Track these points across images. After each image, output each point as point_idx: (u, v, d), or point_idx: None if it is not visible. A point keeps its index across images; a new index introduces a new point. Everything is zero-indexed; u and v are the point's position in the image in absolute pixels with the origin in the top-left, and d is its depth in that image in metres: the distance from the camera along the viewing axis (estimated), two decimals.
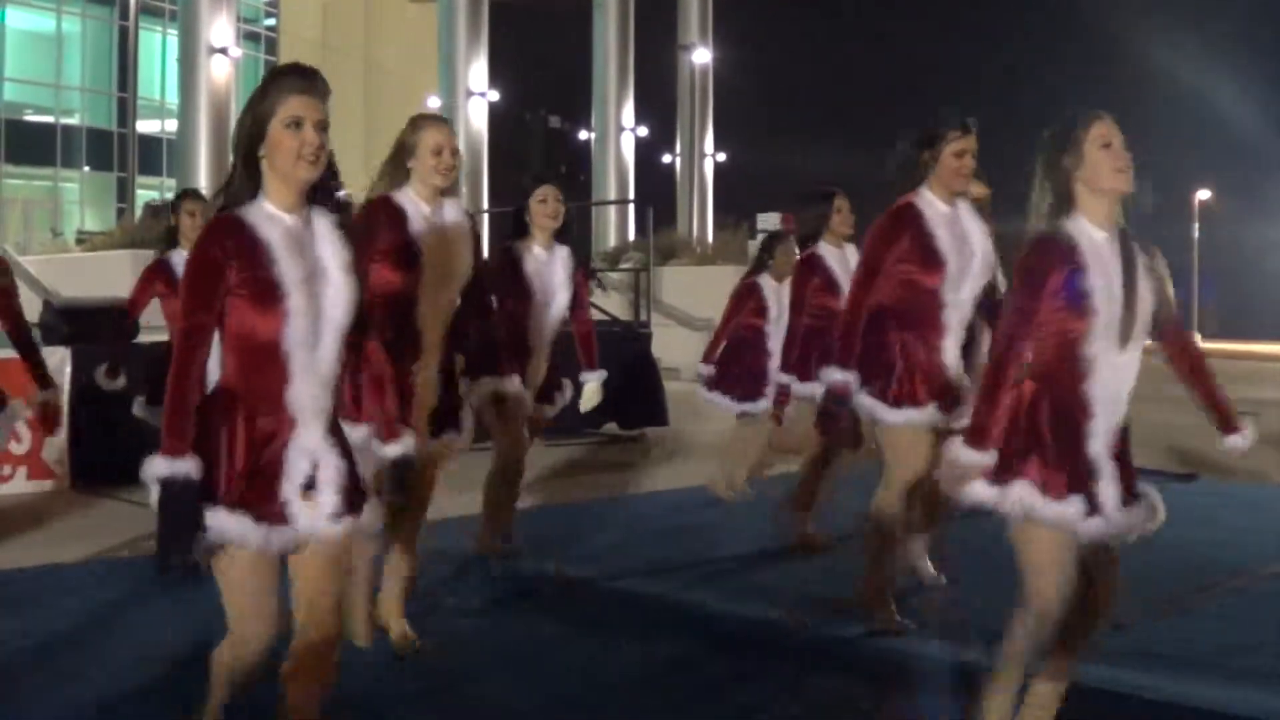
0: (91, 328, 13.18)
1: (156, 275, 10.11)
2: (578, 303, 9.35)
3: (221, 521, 4.50)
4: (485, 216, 38.16)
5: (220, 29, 35.12)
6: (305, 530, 4.63)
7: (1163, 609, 8.00)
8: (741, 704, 6.45)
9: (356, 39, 72.89)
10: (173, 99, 43.14)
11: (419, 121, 7.01)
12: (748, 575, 9.31)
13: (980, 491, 5.31)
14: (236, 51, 36.38)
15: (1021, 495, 5.23)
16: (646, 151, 56.65)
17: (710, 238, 45.32)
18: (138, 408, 10.38)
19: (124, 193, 50.91)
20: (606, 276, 29.52)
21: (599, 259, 36.21)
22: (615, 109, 48.68)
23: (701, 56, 55.24)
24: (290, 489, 4.61)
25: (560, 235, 9.09)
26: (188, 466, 4.42)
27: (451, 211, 7.01)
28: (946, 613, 8.03)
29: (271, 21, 68.89)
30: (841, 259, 9.87)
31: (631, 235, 42.68)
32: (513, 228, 9.11)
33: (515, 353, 8.64)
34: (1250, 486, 13.01)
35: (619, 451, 16.14)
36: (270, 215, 4.70)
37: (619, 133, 48.57)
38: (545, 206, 8.89)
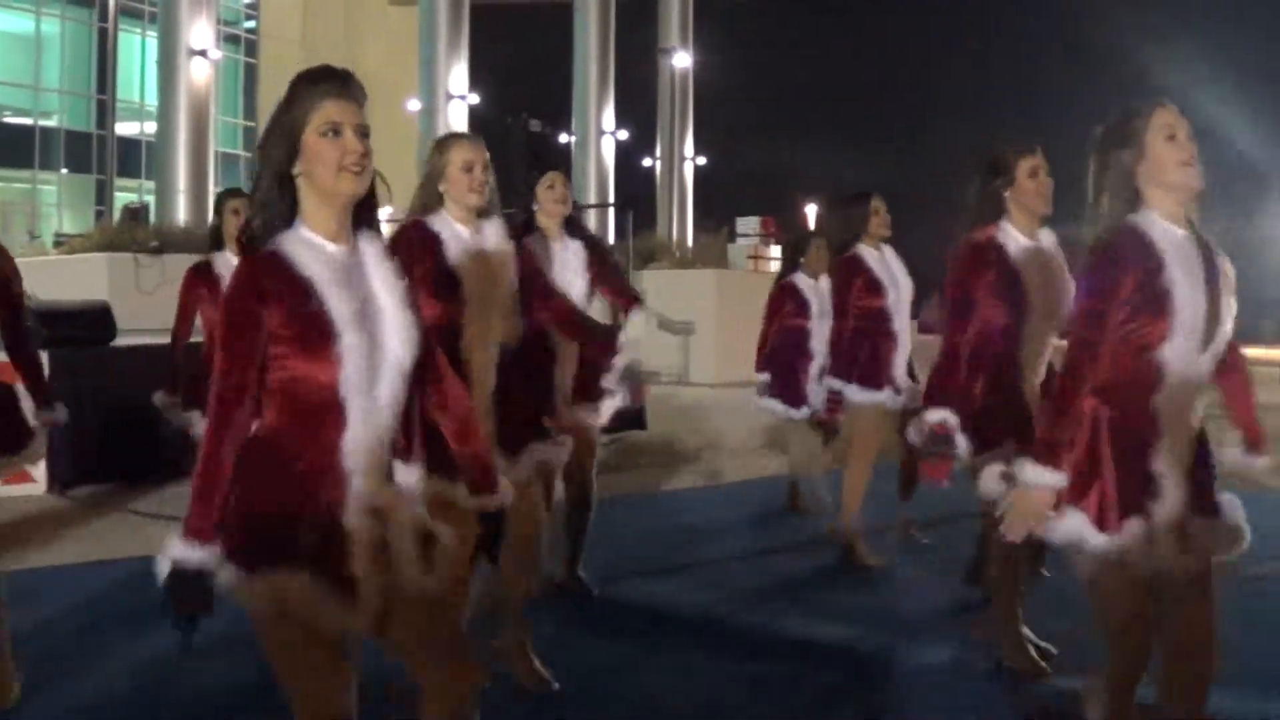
0: (70, 331, 13.14)
1: (200, 280, 9.61)
2: (606, 278, 8.93)
3: (282, 585, 3.97)
4: None
5: (200, 31, 35.05)
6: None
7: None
8: (729, 705, 6.49)
9: (337, 42, 72.79)
10: (152, 101, 43.03)
11: (445, 141, 6.64)
12: (729, 577, 9.36)
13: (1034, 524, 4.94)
14: (216, 54, 36.32)
15: (1074, 526, 4.89)
16: (627, 155, 56.70)
17: (690, 241, 45.39)
18: (159, 399, 9.78)
19: (103, 195, 50.87)
20: None
21: None
22: (596, 112, 48.70)
23: (682, 60, 55.26)
24: (359, 556, 4.08)
25: (570, 227, 8.79)
26: (204, 555, 3.92)
27: (492, 233, 6.50)
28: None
29: (252, 24, 68.82)
30: (881, 260, 9.96)
31: (612, 238, 42.71)
32: (522, 225, 8.63)
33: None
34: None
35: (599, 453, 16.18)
36: (311, 243, 4.19)
37: (599, 136, 48.60)
38: (554, 192, 8.62)
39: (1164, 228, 4.91)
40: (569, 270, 8.55)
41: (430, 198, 6.55)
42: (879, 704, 6.67)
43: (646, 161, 62.01)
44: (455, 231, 6.40)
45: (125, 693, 6.59)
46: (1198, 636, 4.98)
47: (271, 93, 67.50)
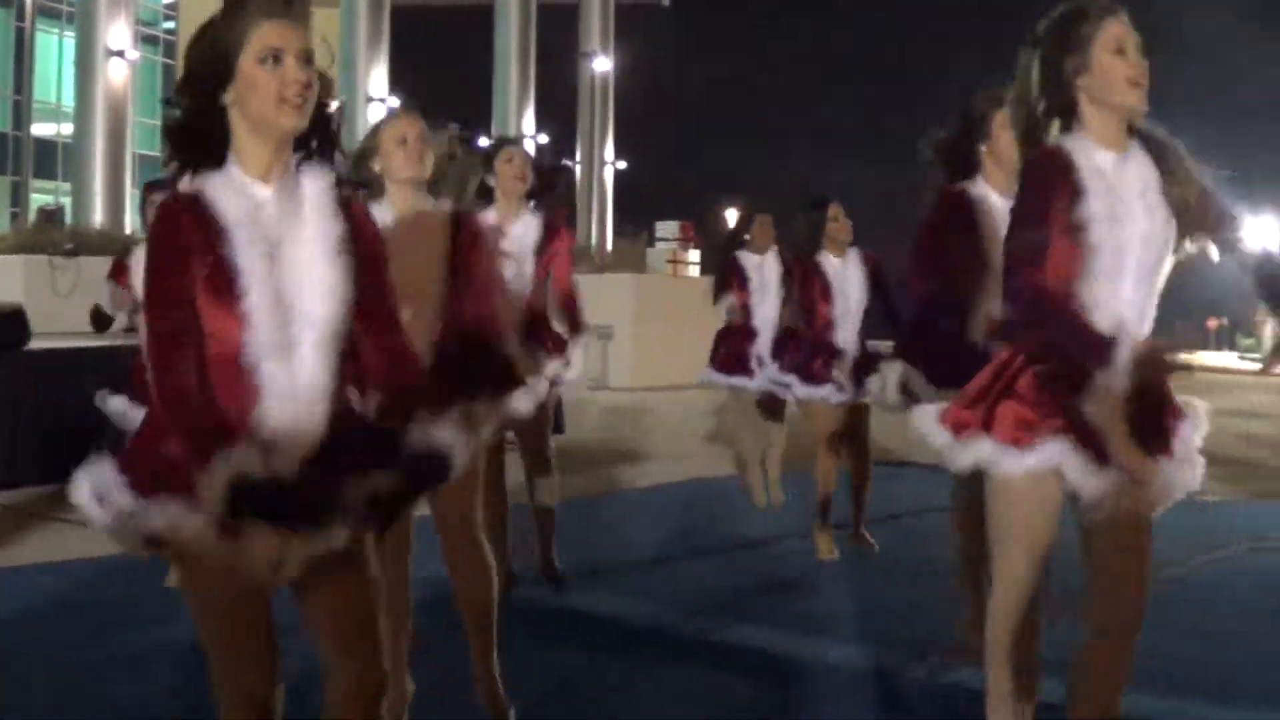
0: None
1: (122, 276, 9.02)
2: (559, 267, 8.43)
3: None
4: None
5: (118, 32, 34.86)
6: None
7: (1057, 613, 8.10)
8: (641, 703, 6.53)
9: None
10: (69, 102, 42.75)
11: (380, 123, 6.07)
12: (651, 582, 9.39)
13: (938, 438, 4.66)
14: (134, 54, 36.13)
15: (983, 450, 4.54)
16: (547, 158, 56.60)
17: (609, 245, 45.42)
18: (101, 400, 8.83)
19: (18, 197, 50.63)
20: None
21: None
22: (516, 116, 48.64)
23: (602, 64, 55.26)
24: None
25: (532, 196, 8.36)
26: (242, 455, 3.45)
27: (417, 207, 5.86)
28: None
29: (171, 25, 68.27)
30: (841, 269, 10.02)
31: None
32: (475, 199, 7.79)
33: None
34: None
35: (515, 458, 16.16)
36: (237, 184, 3.72)
37: (519, 140, 48.54)
38: (511, 167, 8.16)
39: (1096, 155, 4.52)
40: (519, 251, 8.13)
41: (373, 187, 5.90)
42: (803, 708, 6.70)
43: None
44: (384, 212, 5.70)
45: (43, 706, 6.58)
46: (1126, 587, 4.64)
47: None
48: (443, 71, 58.39)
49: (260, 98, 3.72)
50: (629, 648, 7.59)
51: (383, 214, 5.56)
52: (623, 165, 59.47)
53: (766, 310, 11.49)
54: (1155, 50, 4.55)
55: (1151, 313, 4.77)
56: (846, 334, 9.98)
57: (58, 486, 8.12)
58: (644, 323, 29.11)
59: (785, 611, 8.44)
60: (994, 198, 6.51)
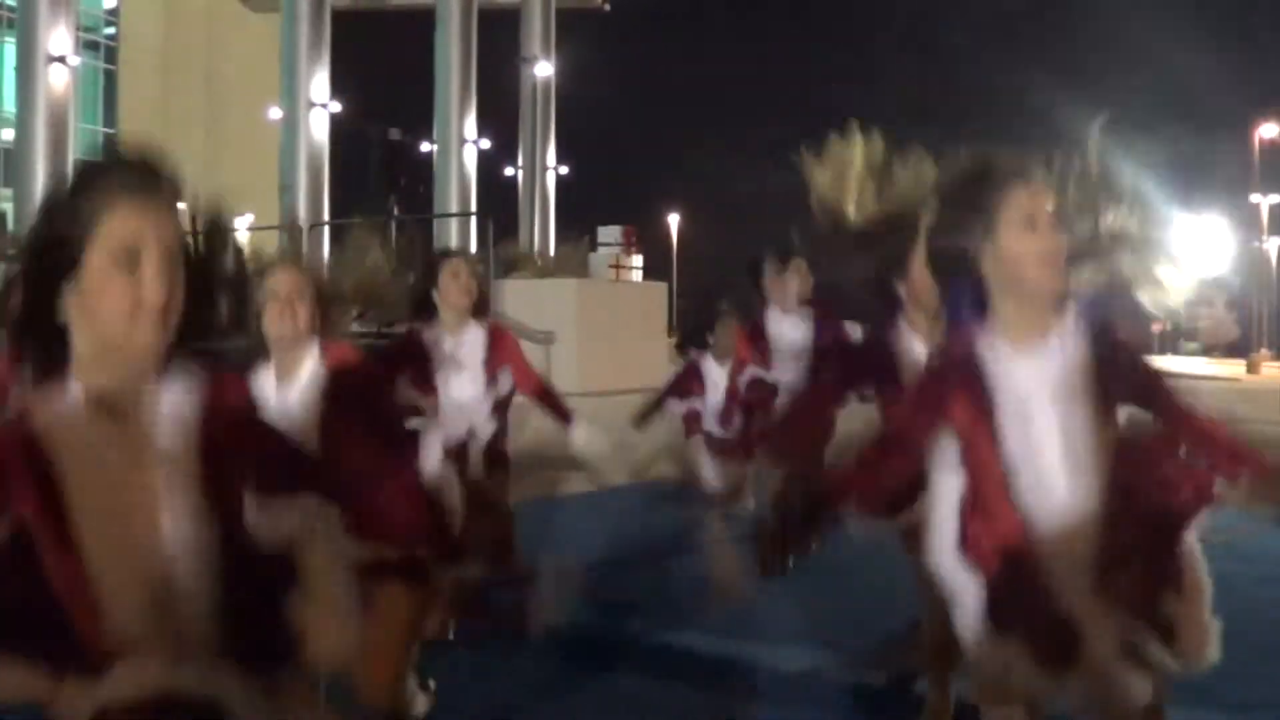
0: None
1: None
2: (516, 370, 8.26)
3: None
4: (325, 229, 38.09)
5: (59, 37, 34.75)
6: None
7: None
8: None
9: (198, 49, 72.28)
10: (10, 108, 42.57)
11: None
12: (588, 583, 9.41)
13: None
14: (75, 60, 36.03)
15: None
16: (488, 164, 56.68)
17: (552, 251, 45.42)
18: None
19: None
20: None
21: None
22: (457, 121, 48.59)
23: (544, 70, 55.33)
24: None
25: (476, 311, 8.08)
26: None
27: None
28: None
29: (111, 30, 68.10)
30: (795, 324, 10.13)
31: (473, 248, 42.70)
32: (414, 308, 8.07)
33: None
34: None
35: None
36: (72, 411, 2.92)
37: (461, 145, 48.51)
38: (457, 282, 7.87)
39: (1008, 360, 3.86)
40: (464, 367, 7.98)
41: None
42: (750, 712, 6.73)
43: (508, 171, 62.00)
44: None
45: None
46: None
47: (131, 99, 66.90)
48: (384, 76, 58.37)
49: (108, 308, 2.89)
50: (575, 652, 7.61)
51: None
52: (564, 170, 59.55)
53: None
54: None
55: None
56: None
57: None
58: (587, 328, 29.16)
59: (733, 616, 8.45)
60: (917, 348, 5.93)
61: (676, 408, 10.86)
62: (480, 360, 8.00)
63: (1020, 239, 3.77)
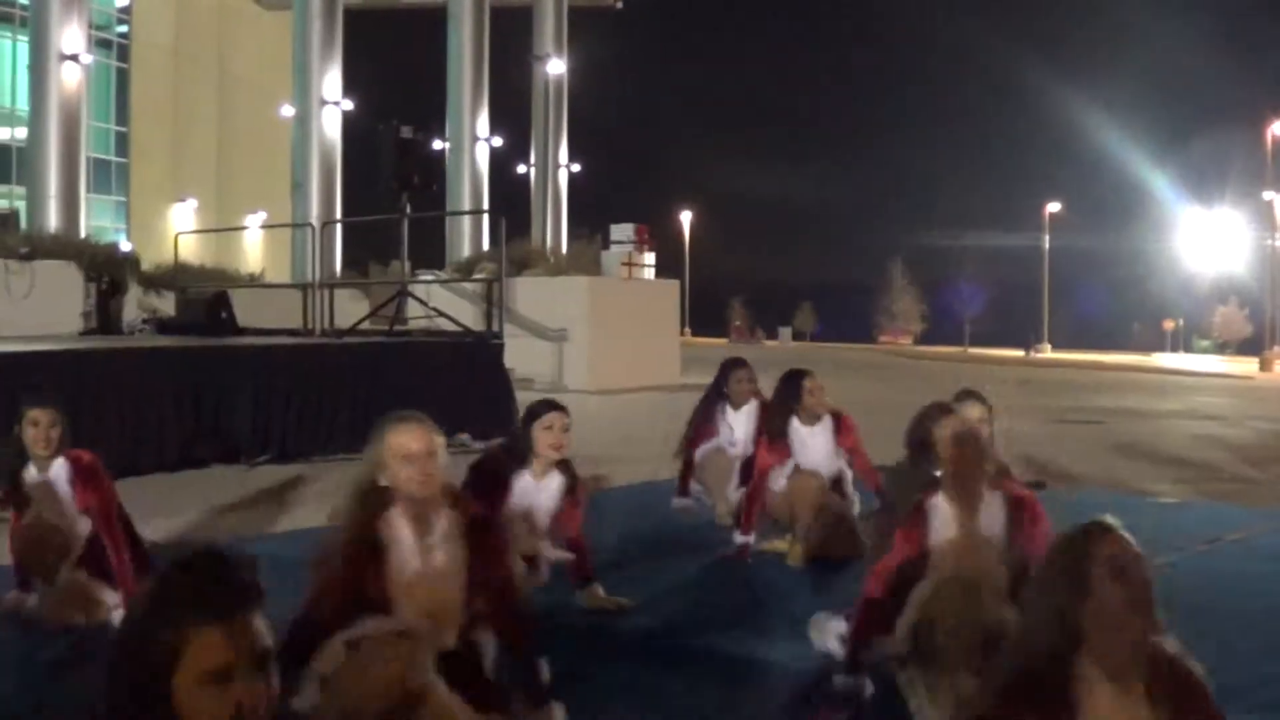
0: None
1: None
2: (567, 519, 8.55)
3: None
4: (338, 227, 38.08)
5: (71, 36, 34.70)
6: None
7: None
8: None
9: (210, 47, 72.36)
10: (23, 106, 42.61)
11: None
12: (599, 581, 9.39)
13: None
14: (88, 58, 35.98)
15: None
16: (501, 162, 56.71)
17: (564, 248, 45.37)
18: None
19: None
20: (460, 287, 29.56)
21: (452, 269, 36.16)
22: (470, 119, 48.53)
23: (556, 67, 55.36)
24: None
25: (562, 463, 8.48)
26: None
27: None
28: None
29: (124, 29, 68.18)
30: (808, 436, 10.29)
31: (485, 245, 42.66)
32: (508, 447, 8.56)
33: None
34: (1098, 490, 13.37)
35: (470, 461, 16.12)
36: None
37: (473, 143, 48.46)
38: (550, 435, 8.29)
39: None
40: (539, 512, 8.46)
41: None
42: (758, 711, 6.69)
43: (520, 168, 62.05)
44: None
45: None
46: None
47: (143, 98, 66.95)
48: (396, 74, 58.50)
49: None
50: (585, 649, 7.58)
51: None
52: (577, 168, 59.56)
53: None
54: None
55: None
56: None
57: None
58: (599, 326, 29.21)
59: (745, 615, 8.43)
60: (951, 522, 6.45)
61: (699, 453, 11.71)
62: (551, 509, 8.43)
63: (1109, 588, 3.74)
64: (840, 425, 10.39)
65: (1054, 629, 3.75)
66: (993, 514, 6.45)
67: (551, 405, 8.48)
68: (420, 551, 5.52)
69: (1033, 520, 6.48)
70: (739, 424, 11.72)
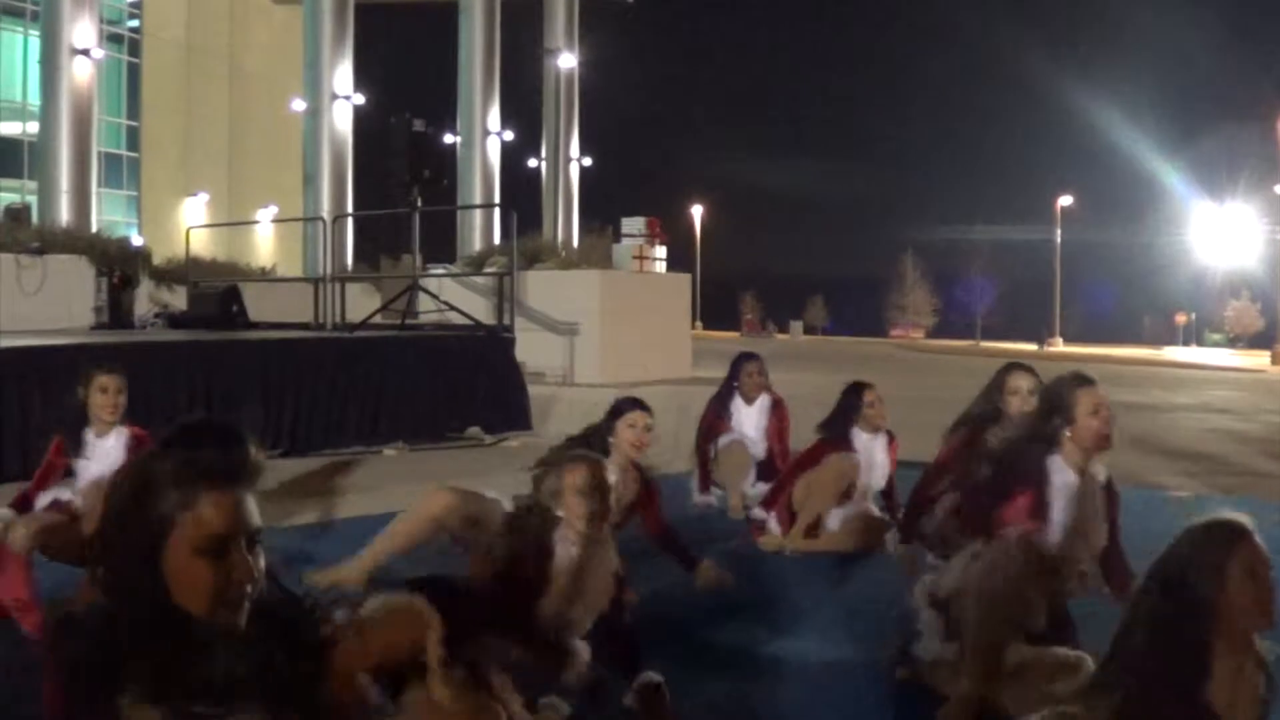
0: None
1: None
2: (647, 517, 8.66)
3: None
4: (349, 221, 38.06)
5: (83, 30, 34.75)
6: None
7: None
8: None
9: (221, 41, 72.37)
10: (34, 100, 42.66)
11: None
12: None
13: None
14: (99, 53, 36.02)
15: None
16: (512, 155, 56.72)
17: (575, 242, 45.39)
18: None
19: None
20: (471, 281, 29.56)
21: (463, 263, 36.16)
22: (481, 112, 48.56)
23: (567, 61, 55.39)
24: None
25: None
26: None
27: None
28: None
29: (135, 23, 68.18)
30: (868, 444, 10.39)
31: (496, 239, 42.67)
32: (586, 439, 8.31)
33: None
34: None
35: (482, 455, 16.15)
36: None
37: (484, 136, 48.48)
38: (633, 432, 8.38)
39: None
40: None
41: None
42: (769, 703, 6.68)
43: (532, 162, 62.10)
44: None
45: None
46: None
47: (154, 92, 66.96)
48: (407, 68, 58.48)
49: (197, 591, 3.00)
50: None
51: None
52: (588, 162, 59.54)
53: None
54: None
55: None
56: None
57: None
58: (610, 318, 29.21)
59: (755, 606, 8.42)
60: (1069, 475, 6.70)
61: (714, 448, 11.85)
62: (626, 505, 8.32)
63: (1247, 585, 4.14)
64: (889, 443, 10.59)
65: (1190, 617, 4.09)
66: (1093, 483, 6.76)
67: (637, 403, 8.55)
68: (572, 570, 6.28)
69: (1112, 501, 6.87)
70: (750, 419, 11.75)
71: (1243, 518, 4.24)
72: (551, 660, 6.15)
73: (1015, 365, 8.76)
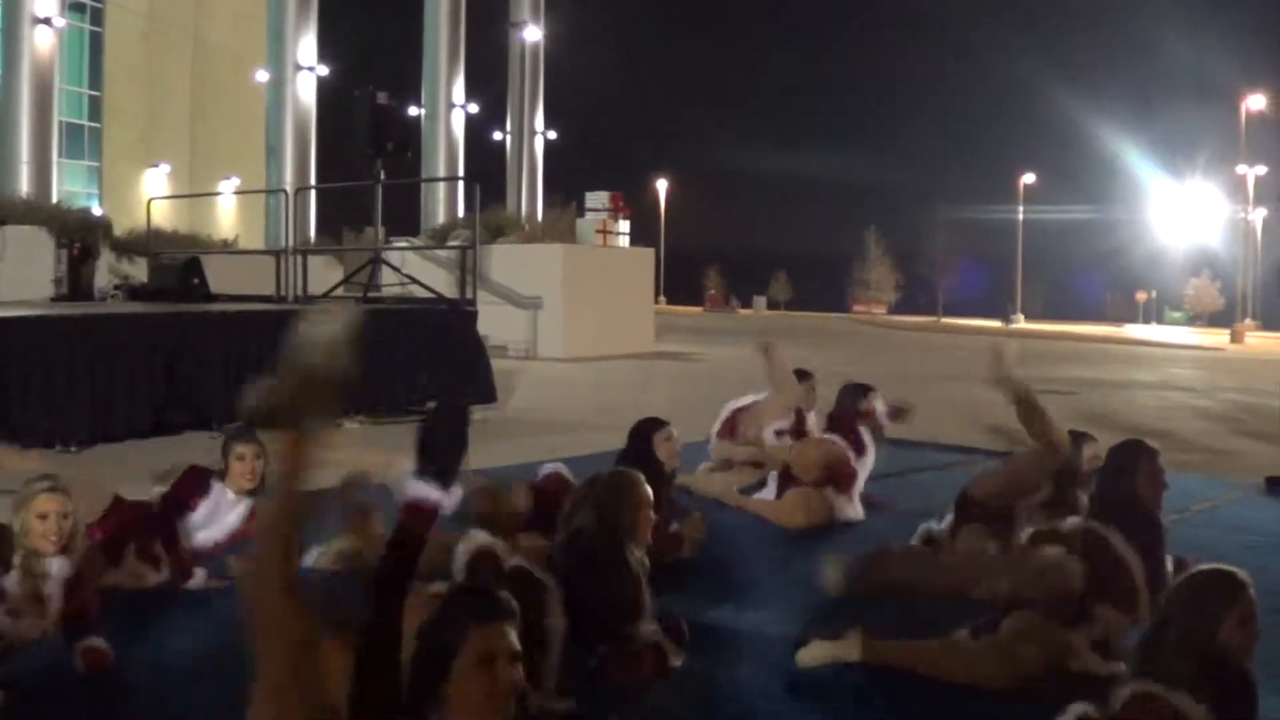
0: None
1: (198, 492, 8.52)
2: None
3: None
4: (312, 193, 37.97)
5: None
6: None
7: None
8: None
9: (184, 11, 72.02)
10: None
11: None
12: None
13: None
14: (60, 21, 35.87)
15: None
16: (476, 129, 56.57)
17: (540, 216, 45.34)
18: None
19: None
20: (434, 254, 29.53)
21: (426, 236, 36.12)
22: (446, 85, 48.46)
23: (533, 34, 55.22)
24: None
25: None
26: None
27: None
28: None
29: None
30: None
31: (460, 212, 42.62)
32: (631, 453, 8.61)
33: None
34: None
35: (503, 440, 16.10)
36: None
37: (449, 109, 48.38)
38: (670, 445, 8.77)
39: None
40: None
41: None
42: (731, 674, 6.66)
43: (496, 135, 61.92)
44: None
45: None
46: None
47: (117, 62, 66.61)
48: (372, 40, 58.35)
49: (474, 698, 4.00)
50: None
51: None
52: (553, 135, 59.45)
53: None
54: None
55: None
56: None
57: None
58: (574, 293, 29.18)
59: (716, 581, 8.42)
60: None
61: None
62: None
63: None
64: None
65: (1185, 651, 4.66)
66: None
67: (663, 421, 8.97)
68: None
69: None
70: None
71: (1244, 575, 4.80)
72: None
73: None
